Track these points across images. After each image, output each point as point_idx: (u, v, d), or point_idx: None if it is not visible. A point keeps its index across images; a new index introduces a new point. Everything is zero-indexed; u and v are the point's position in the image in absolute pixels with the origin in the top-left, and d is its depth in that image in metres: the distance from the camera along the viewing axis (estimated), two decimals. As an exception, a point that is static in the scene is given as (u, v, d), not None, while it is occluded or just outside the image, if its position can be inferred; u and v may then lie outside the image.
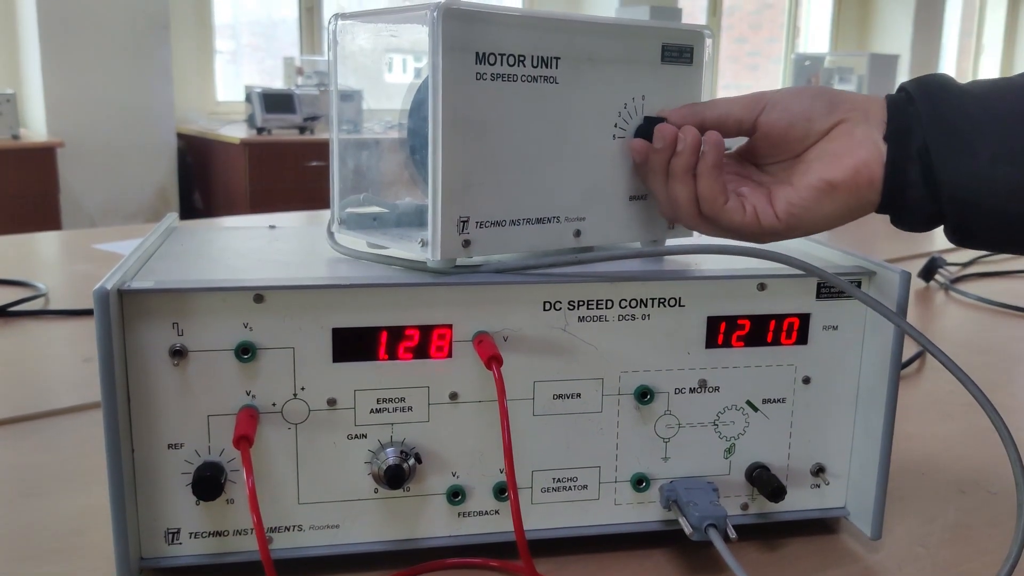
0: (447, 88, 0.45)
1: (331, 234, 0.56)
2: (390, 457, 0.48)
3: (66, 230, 1.65)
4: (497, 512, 0.51)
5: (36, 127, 3.48)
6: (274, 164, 3.52)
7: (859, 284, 0.53)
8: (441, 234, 0.47)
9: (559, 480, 0.52)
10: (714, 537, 0.48)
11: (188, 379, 0.46)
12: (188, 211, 3.81)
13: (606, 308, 0.50)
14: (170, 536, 0.48)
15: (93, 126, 3.43)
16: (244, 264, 0.54)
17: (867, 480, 0.53)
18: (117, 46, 3.43)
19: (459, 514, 0.51)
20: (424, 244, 0.47)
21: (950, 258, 1.31)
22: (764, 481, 0.52)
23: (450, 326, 0.48)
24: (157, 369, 0.46)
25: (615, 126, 0.52)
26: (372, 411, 0.49)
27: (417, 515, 0.50)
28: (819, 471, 0.54)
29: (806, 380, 0.53)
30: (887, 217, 0.51)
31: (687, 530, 0.49)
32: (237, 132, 3.57)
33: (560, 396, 0.51)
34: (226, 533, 0.48)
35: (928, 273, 1.21)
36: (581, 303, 0.50)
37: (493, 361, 0.47)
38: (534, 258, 0.50)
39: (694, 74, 0.54)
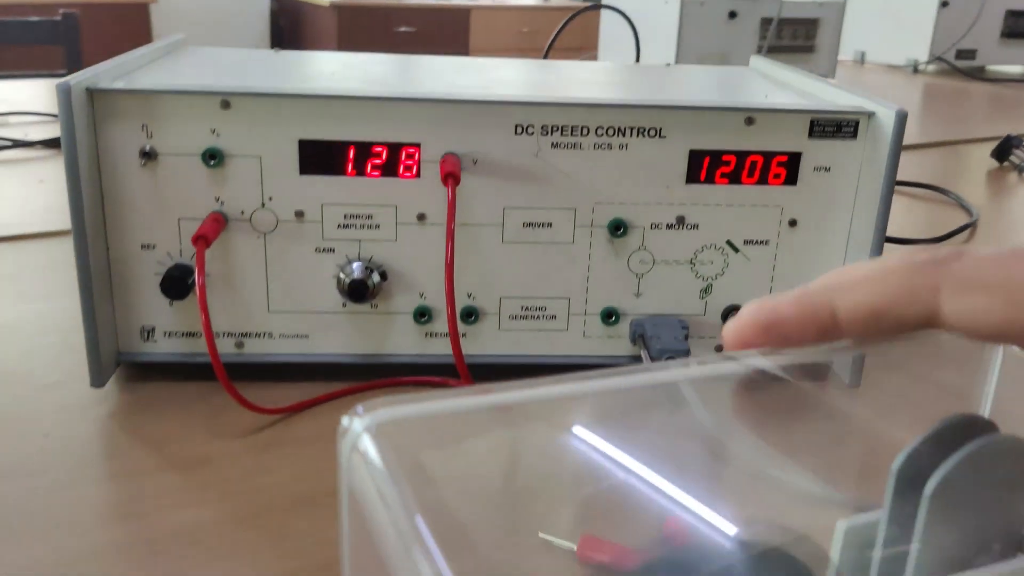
0: None
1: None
2: (355, 271, 0.49)
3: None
4: (464, 335, 0.52)
5: (133, -16, 3.53)
6: (364, 29, 3.50)
7: (856, 125, 0.50)
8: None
9: (527, 309, 0.52)
10: (684, 387, 0.48)
11: (158, 182, 0.47)
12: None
13: (581, 135, 0.49)
14: (146, 334, 0.50)
15: (188, -15, 3.47)
16: (223, 74, 0.54)
17: (849, 330, 0.51)
18: (212, -97, 3.43)
19: (426, 334, 0.51)
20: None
21: (1033, 139, 1.22)
22: (737, 323, 0.51)
23: (419, 145, 0.48)
24: (128, 170, 0.47)
25: None
26: (340, 226, 0.49)
27: (385, 332, 0.51)
28: (800, 318, 0.53)
29: (792, 223, 0.51)
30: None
31: (645, 362, 0.49)
32: (328, -4, 3.55)
33: (530, 224, 0.50)
34: (198, 334, 0.50)
35: (1001, 153, 1.14)
36: (555, 128, 0.49)
37: (450, 178, 0.46)
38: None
39: None
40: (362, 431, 0.21)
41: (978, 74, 2.08)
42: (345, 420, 0.22)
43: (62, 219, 0.77)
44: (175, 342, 0.50)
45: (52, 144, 1.01)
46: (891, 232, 0.81)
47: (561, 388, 0.24)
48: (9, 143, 1.00)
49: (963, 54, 2.10)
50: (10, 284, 0.65)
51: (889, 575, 0.23)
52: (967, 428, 0.23)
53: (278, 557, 0.38)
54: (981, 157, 1.18)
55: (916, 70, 2.08)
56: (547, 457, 0.26)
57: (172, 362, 0.50)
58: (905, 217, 0.91)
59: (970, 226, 0.86)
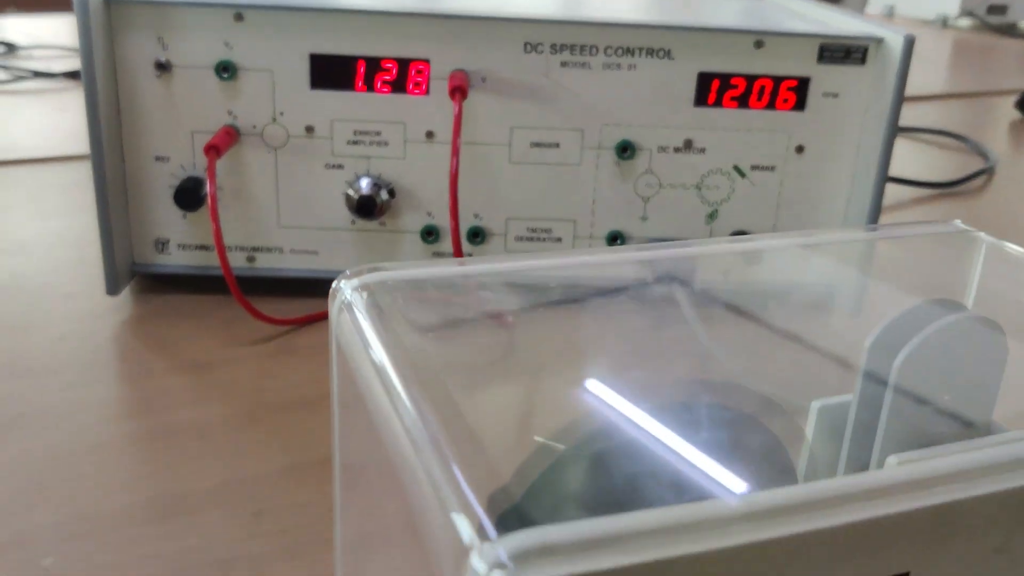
0: None
1: None
2: (364, 188, 0.50)
3: None
4: (471, 255, 0.52)
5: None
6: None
7: (865, 51, 0.50)
8: None
9: (533, 230, 0.52)
10: (676, 290, 0.49)
11: (172, 94, 0.48)
12: None
13: (590, 55, 0.49)
14: (160, 246, 0.51)
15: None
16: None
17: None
18: None
19: (433, 254, 0.52)
20: None
21: (1060, 90, 1.20)
22: (741, 248, 0.52)
23: (428, 61, 0.48)
24: (144, 82, 0.48)
25: None
26: (349, 142, 0.50)
27: (392, 249, 0.52)
28: (804, 246, 0.53)
29: (799, 149, 0.51)
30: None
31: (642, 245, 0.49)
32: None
33: (538, 145, 0.50)
34: (211, 247, 0.51)
35: (1026, 103, 1.12)
36: (564, 47, 0.49)
37: (457, 92, 0.47)
38: None
39: None
40: (349, 290, 0.22)
41: (1009, 31, 2.04)
42: (335, 283, 0.23)
43: (81, 145, 0.78)
44: (188, 254, 0.51)
45: (73, 76, 1.02)
46: (908, 175, 0.81)
47: (544, 262, 0.24)
48: (29, 73, 1.01)
49: (994, 9, 2.06)
50: (30, 204, 0.66)
51: (859, 450, 0.24)
52: (939, 308, 0.23)
53: (279, 451, 0.39)
54: (1005, 108, 1.17)
55: (946, 25, 2.04)
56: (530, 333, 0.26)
57: (185, 274, 0.52)
58: (922, 162, 0.90)
59: (987, 171, 0.86)
